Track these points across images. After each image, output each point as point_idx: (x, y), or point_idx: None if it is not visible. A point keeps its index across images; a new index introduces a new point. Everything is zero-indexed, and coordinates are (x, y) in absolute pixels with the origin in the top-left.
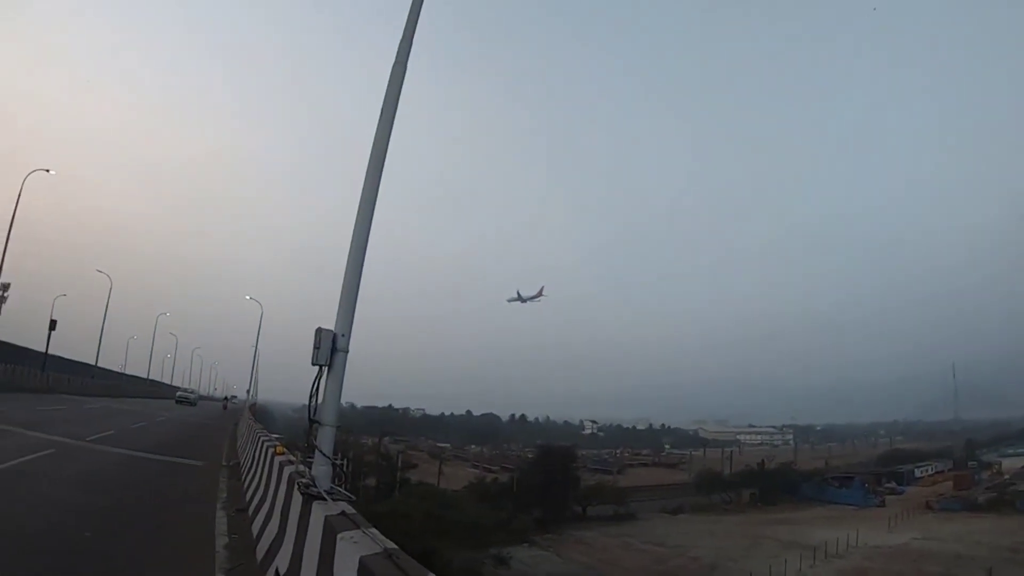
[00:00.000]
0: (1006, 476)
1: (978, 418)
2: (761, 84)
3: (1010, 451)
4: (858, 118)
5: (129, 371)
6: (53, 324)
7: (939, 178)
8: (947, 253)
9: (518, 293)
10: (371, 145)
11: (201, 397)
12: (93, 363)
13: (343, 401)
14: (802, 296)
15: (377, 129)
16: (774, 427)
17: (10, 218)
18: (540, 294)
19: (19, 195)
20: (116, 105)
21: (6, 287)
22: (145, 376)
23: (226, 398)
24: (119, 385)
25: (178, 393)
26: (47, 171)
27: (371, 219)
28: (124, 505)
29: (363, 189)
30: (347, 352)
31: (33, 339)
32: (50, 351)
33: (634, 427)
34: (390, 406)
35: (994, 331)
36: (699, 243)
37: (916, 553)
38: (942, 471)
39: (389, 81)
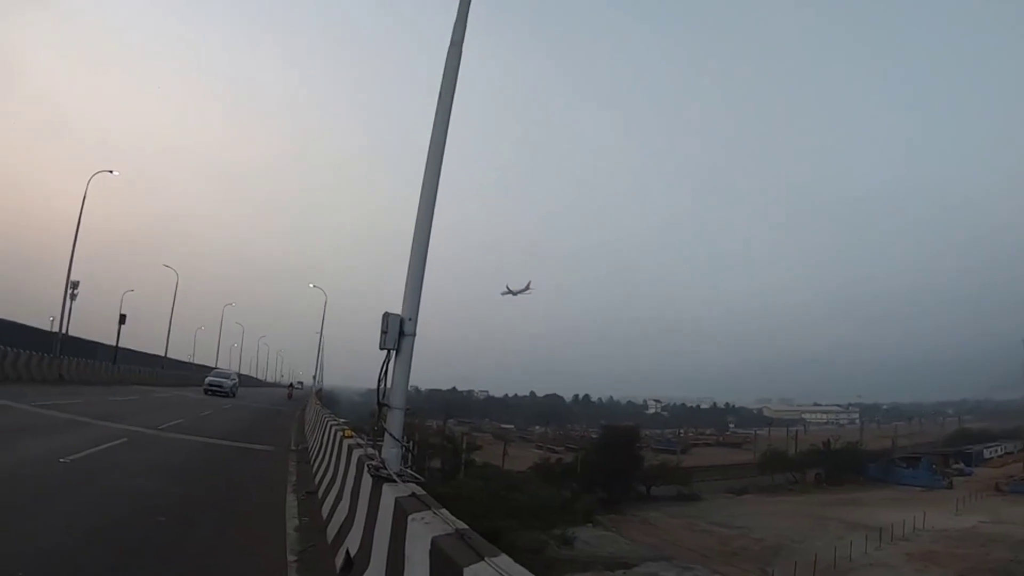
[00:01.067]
0: None
1: None
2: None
3: None
4: (949, 80)
5: (197, 361)
6: (123, 318)
7: (1013, 153)
8: (1019, 229)
9: (507, 287)
10: (431, 128)
11: (265, 384)
12: (162, 354)
13: (408, 385)
14: (868, 273)
15: (436, 111)
16: (839, 406)
17: (77, 219)
18: (528, 288)
19: (84, 196)
20: (176, 103)
21: (76, 285)
22: (213, 365)
23: (291, 384)
24: (188, 375)
25: (208, 379)
26: (111, 172)
27: (434, 202)
28: (196, 491)
29: (425, 172)
30: (414, 336)
31: (104, 334)
32: (120, 344)
33: (698, 406)
34: (454, 389)
35: None
36: (763, 221)
37: (984, 537)
38: (1012, 452)
39: (446, 62)
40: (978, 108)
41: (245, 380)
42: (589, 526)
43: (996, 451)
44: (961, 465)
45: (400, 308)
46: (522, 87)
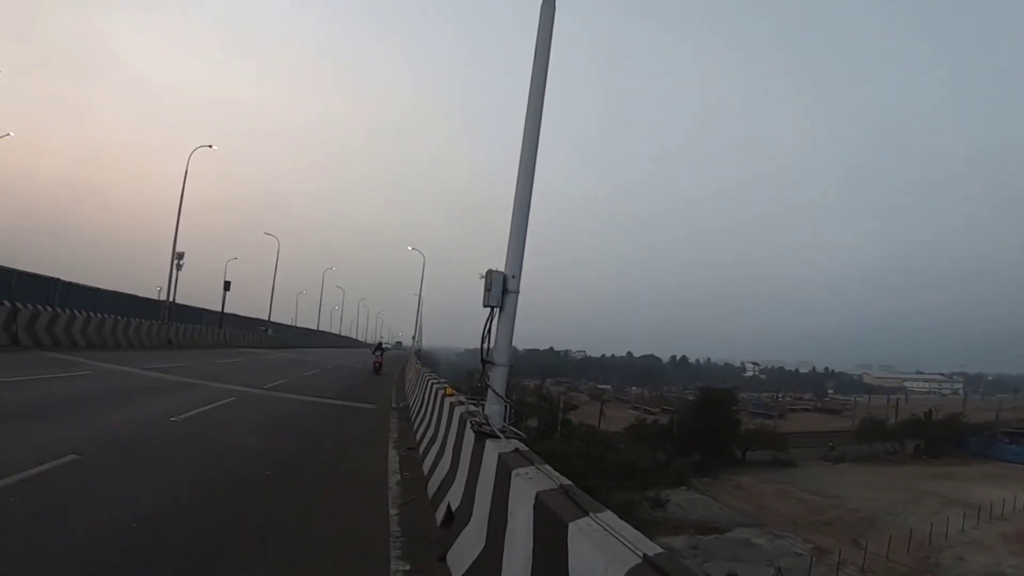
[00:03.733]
0: None
1: None
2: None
3: None
4: None
5: (299, 324)
6: (227, 285)
7: None
8: None
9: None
10: (529, 84)
11: (366, 345)
12: (266, 318)
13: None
14: (975, 239)
15: (533, 67)
16: (943, 375)
17: (180, 193)
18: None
19: (186, 171)
20: (274, 84)
21: (181, 256)
22: (315, 328)
23: (379, 345)
24: (291, 337)
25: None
26: (210, 147)
27: (535, 157)
28: (301, 447)
29: (525, 128)
30: (518, 293)
31: (210, 300)
32: (225, 310)
33: (797, 370)
34: (551, 349)
35: None
36: (867, 180)
37: None
38: None
39: (540, 18)
40: None
41: (345, 341)
42: (682, 489)
43: None
44: None
45: (503, 266)
46: (619, 47)
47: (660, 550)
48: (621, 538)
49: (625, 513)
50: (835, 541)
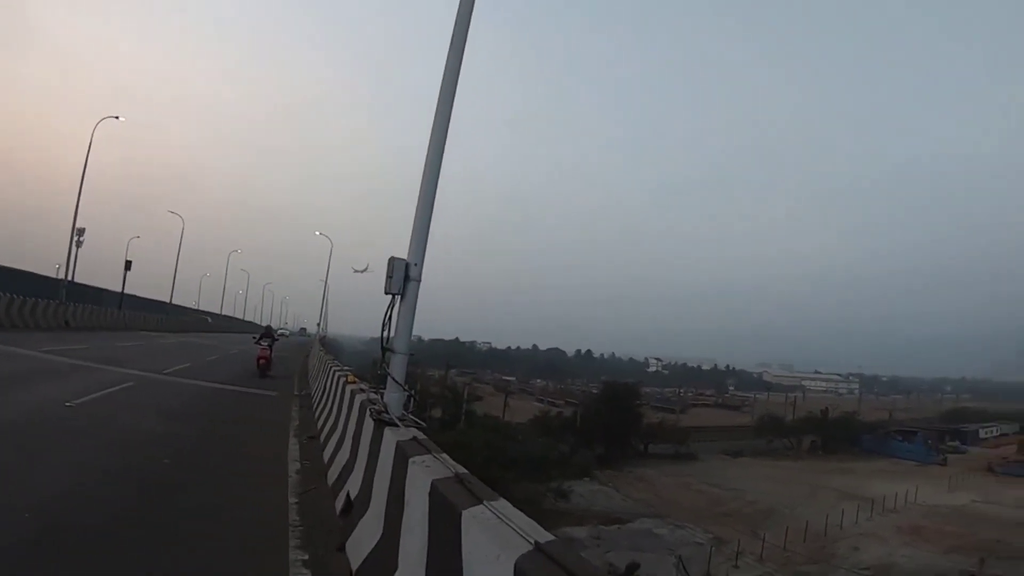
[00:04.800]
0: None
1: None
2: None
3: None
4: (955, 69)
5: (203, 307)
6: (128, 265)
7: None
8: None
9: (352, 268)
10: (442, 74)
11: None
12: (168, 301)
13: (412, 335)
14: (876, 246)
15: (448, 57)
16: (839, 375)
17: (83, 165)
18: (366, 269)
19: (90, 143)
20: (183, 54)
21: (82, 231)
22: (218, 312)
23: (266, 334)
24: (193, 321)
25: (278, 331)
26: (117, 118)
27: (443, 147)
28: (200, 434)
29: (435, 117)
30: (419, 281)
31: (110, 280)
32: (126, 291)
33: (699, 367)
34: (457, 339)
35: None
36: (773, 187)
37: (974, 516)
38: (1007, 434)
39: (458, 11)
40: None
41: (248, 327)
42: (586, 480)
43: (992, 431)
44: (956, 443)
45: (406, 254)
46: (532, 46)
47: (552, 537)
48: (514, 526)
49: (529, 504)
50: (734, 532)
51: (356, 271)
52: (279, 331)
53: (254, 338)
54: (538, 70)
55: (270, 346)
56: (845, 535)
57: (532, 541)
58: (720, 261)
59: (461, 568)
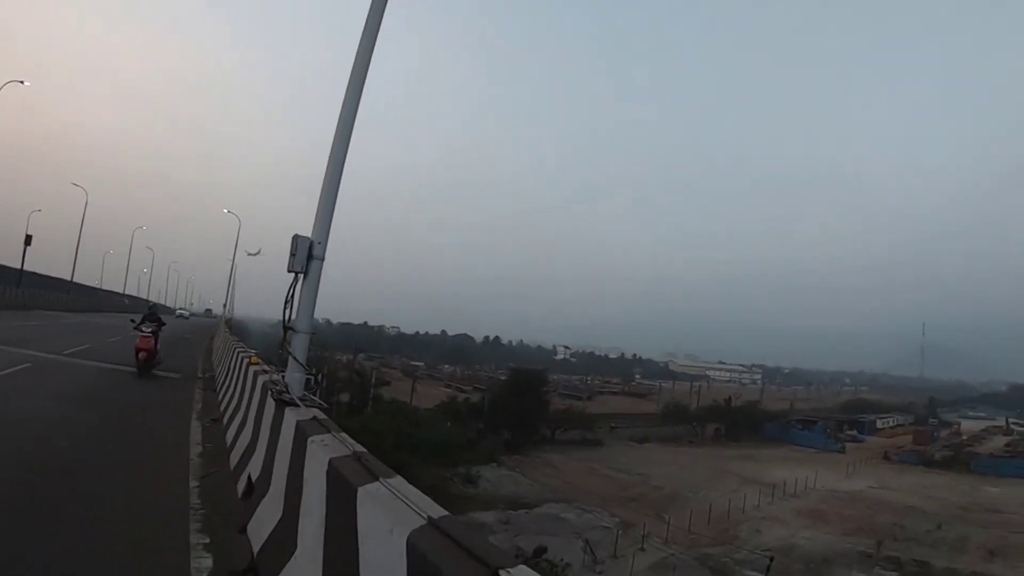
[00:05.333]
0: (964, 437)
1: (942, 377)
2: (751, 30)
3: (970, 413)
4: (856, 76)
5: (105, 286)
6: (28, 239)
7: (927, 145)
8: (929, 218)
9: (247, 250)
10: (354, 52)
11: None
12: (69, 279)
13: (319, 317)
14: (782, 242)
15: (362, 37)
16: (743, 365)
17: None
18: (259, 252)
19: None
20: (91, 20)
21: None
22: (122, 291)
23: (152, 314)
24: (96, 300)
25: (177, 311)
26: (22, 83)
27: (351, 127)
28: (99, 416)
29: (345, 96)
30: (323, 260)
31: (8, 255)
32: (25, 267)
33: (607, 355)
34: (365, 323)
35: (966, 296)
36: (686, 179)
37: (870, 500)
38: (902, 425)
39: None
40: (909, 113)
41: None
42: (493, 466)
43: (888, 422)
44: (854, 432)
45: (311, 232)
46: (447, 32)
47: (445, 513)
48: (408, 501)
49: (436, 489)
50: (640, 515)
51: (249, 254)
52: (178, 312)
53: (132, 321)
54: (455, 63)
55: (154, 333)
56: (747, 518)
57: (425, 516)
58: (628, 254)
59: (357, 545)
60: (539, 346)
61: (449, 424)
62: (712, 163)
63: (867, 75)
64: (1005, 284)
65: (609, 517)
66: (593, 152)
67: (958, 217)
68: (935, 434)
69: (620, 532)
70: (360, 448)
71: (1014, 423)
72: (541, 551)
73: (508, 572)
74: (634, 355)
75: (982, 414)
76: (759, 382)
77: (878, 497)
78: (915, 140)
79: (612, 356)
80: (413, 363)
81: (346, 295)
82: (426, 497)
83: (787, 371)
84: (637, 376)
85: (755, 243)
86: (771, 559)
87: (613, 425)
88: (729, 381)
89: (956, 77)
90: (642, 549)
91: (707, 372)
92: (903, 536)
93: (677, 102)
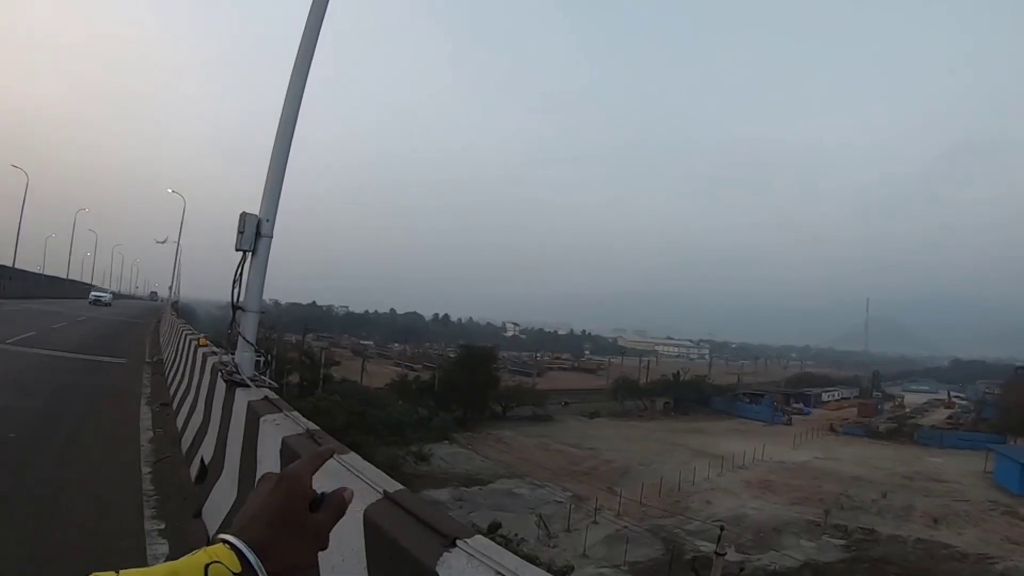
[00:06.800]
0: (907, 409)
1: (886, 352)
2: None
3: (913, 387)
4: (793, 51)
5: (48, 271)
6: None
7: (871, 121)
8: (873, 196)
9: (155, 239)
10: (303, 27)
11: (120, 296)
12: (10, 264)
13: (267, 297)
14: (730, 218)
15: (311, 11)
16: (691, 341)
17: None
18: (167, 240)
19: None
20: None
21: None
22: (64, 276)
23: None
24: (38, 286)
25: (92, 293)
26: None
27: (299, 102)
28: (47, 405)
29: (293, 70)
30: (271, 237)
31: None
32: None
33: (556, 332)
34: (314, 303)
35: (910, 273)
36: (632, 158)
37: (817, 471)
38: (848, 398)
39: None
40: (855, 84)
41: (99, 292)
42: (445, 443)
43: (834, 395)
44: (801, 405)
45: (259, 210)
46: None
47: (400, 487)
48: (363, 476)
49: (389, 468)
50: (592, 489)
51: (158, 242)
52: (93, 296)
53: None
54: (409, 39)
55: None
56: (698, 490)
57: (381, 490)
58: (576, 230)
59: None
60: (489, 323)
61: (400, 403)
62: (656, 139)
63: (811, 51)
64: (946, 262)
65: (562, 492)
66: (538, 127)
67: (901, 195)
68: (879, 407)
69: (573, 506)
70: (313, 426)
71: (956, 396)
72: (496, 527)
73: (465, 542)
74: (583, 331)
75: (925, 388)
76: (707, 357)
77: (825, 468)
78: (860, 117)
79: (561, 332)
80: (363, 342)
81: (295, 274)
82: (381, 472)
83: (735, 346)
84: (587, 352)
85: (701, 220)
86: (721, 529)
87: (567, 401)
88: (678, 356)
89: (901, 55)
90: (595, 522)
91: (656, 347)
92: (850, 505)
93: (625, 79)
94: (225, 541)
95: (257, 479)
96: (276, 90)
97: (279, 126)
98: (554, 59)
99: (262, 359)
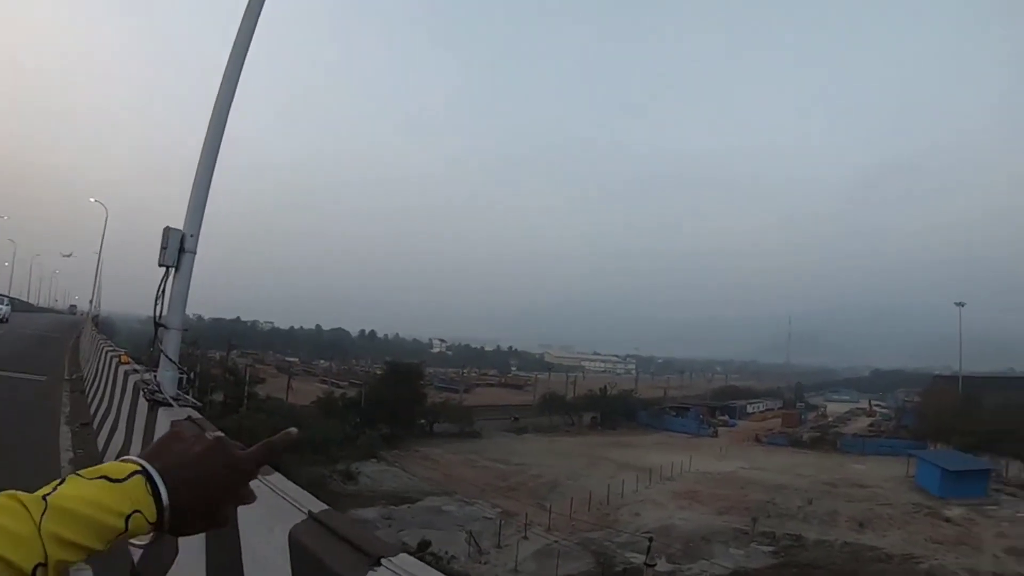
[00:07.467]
0: (830, 418)
1: (808, 364)
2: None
3: (834, 396)
4: (718, 65)
5: None
6: None
7: (797, 136)
8: (794, 211)
9: (60, 253)
10: (233, 39)
11: (38, 309)
12: None
13: (191, 312)
14: (651, 234)
15: (241, 25)
16: (617, 356)
17: None
18: (71, 255)
19: None
20: None
21: None
22: None
23: None
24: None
25: None
26: None
27: (226, 116)
28: None
29: (221, 84)
30: (195, 253)
31: None
32: None
33: (482, 348)
34: (238, 318)
35: (830, 286)
36: (549, 176)
37: (743, 480)
38: (772, 409)
39: None
40: (786, 100)
41: (17, 305)
42: (372, 461)
43: (758, 407)
44: (726, 417)
45: (182, 224)
46: (322, 23)
47: (325, 507)
48: (287, 497)
49: (316, 487)
50: (521, 505)
51: (64, 256)
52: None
53: None
54: (326, 53)
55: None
56: (626, 502)
57: (306, 511)
58: (502, 246)
59: (239, 543)
60: (415, 339)
61: (326, 420)
62: (584, 152)
63: (737, 68)
64: (864, 276)
65: (491, 508)
66: (460, 139)
67: (823, 212)
68: (803, 417)
69: (503, 522)
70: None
71: (876, 405)
72: (425, 545)
73: (391, 561)
74: (510, 347)
75: (846, 397)
76: (633, 371)
77: (751, 477)
78: (781, 138)
79: (488, 348)
80: (288, 359)
81: (219, 289)
82: (305, 492)
83: (660, 360)
84: (513, 368)
85: (627, 235)
86: (651, 540)
87: (516, 416)
88: (604, 371)
89: (822, 78)
90: (525, 538)
91: (582, 363)
92: (776, 512)
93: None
94: (145, 471)
95: None
96: (204, 105)
97: (205, 140)
98: (475, 67)
99: (184, 377)
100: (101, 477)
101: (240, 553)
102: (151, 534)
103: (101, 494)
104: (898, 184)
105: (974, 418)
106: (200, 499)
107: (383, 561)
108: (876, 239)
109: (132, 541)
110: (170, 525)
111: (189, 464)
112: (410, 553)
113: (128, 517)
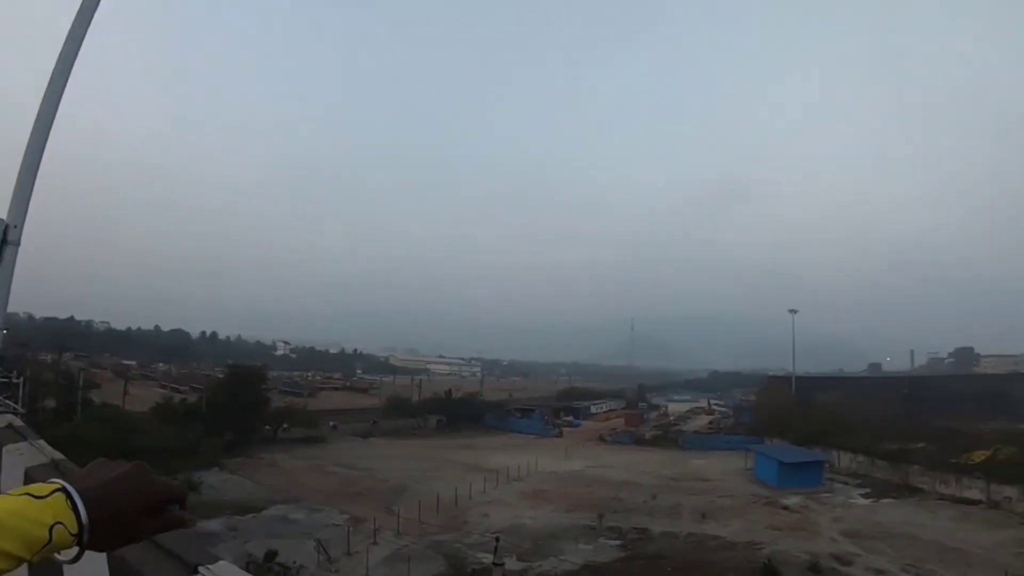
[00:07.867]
0: (671, 417)
1: (649, 366)
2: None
3: (676, 397)
4: (580, 82)
5: None
6: None
7: (640, 154)
8: (639, 223)
9: None
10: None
11: None
12: None
13: (19, 310)
14: (498, 239)
15: None
16: (463, 359)
17: None
18: None
19: None
20: None
21: None
22: None
23: None
24: None
25: None
26: None
27: (61, 91)
28: None
29: (58, 57)
30: (19, 245)
31: None
32: None
33: (327, 351)
34: (72, 318)
35: (669, 293)
36: (394, 174)
37: (589, 478)
38: (615, 409)
39: None
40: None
41: None
42: (215, 470)
43: (602, 408)
44: (571, 418)
45: (5, 213)
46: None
47: None
48: None
49: None
50: (369, 510)
51: None
52: None
53: None
54: (177, 25)
55: None
56: (475, 504)
57: None
58: (346, 248)
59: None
60: (258, 341)
61: (165, 428)
62: (415, 154)
63: (580, 81)
64: (703, 285)
65: (339, 514)
66: (300, 141)
67: (665, 223)
68: (645, 416)
69: (351, 528)
70: (59, 456)
71: (715, 404)
72: (272, 555)
73: (208, 568)
74: (355, 350)
75: (687, 397)
76: (478, 374)
77: (596, 475)
78: (626, 153)
79: (333, 351)
80: (125, 362)
81: (51, 284)
82: None
83: (505, 363)
84: (358, 371)
85: (470, 241)
86: (497, 540)
87: (374, 420)
88: (449, 374)
89: (657, 97)
90: (375, 543)
91: (428, 366)
92: (622, 508)
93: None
94: (64, 489)
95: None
96: (35, 79)
97: (36, 119)
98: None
99: (6, 381)
100: (24, 494)
101: (62, 570)
102: (75, 548)
103: (25, 506)
104: (731, 199)
105: (807, 414)
106: (115, 516)
107: (200, 568)
108: (712, 251)
109: (57, 555)
110: (90, 539)
111: (107, 484)
112: (256, 563)
113: (51, 528)
